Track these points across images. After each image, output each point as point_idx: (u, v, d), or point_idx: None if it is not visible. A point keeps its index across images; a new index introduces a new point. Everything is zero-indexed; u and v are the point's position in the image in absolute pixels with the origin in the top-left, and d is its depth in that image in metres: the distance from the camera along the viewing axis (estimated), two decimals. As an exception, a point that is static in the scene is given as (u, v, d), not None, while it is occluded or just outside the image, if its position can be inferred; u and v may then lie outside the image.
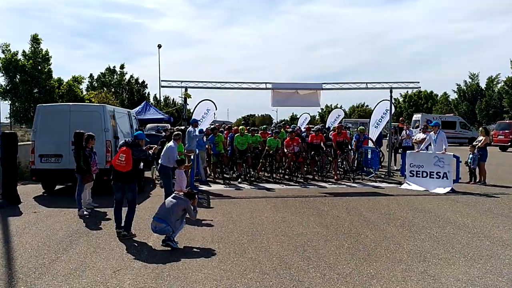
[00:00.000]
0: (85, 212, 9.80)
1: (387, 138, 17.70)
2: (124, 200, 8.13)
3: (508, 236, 7.93)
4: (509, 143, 32.35)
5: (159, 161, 10.14)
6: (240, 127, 16.15)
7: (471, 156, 15.03)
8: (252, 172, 16.00)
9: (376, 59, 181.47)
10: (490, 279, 5.75)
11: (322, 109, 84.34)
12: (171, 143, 10.26)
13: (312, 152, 16.04)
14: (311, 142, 16.16)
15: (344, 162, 16.79)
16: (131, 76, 50.35)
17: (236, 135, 15.85)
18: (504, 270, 6.09)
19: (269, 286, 5.49)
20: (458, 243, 7.47)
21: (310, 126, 21.46)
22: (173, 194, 7.71)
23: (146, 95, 52.38)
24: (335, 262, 6.44)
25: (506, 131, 33.07)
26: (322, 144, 16.01)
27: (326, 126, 22.73)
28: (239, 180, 15.23)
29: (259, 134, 17.06)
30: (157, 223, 7.21)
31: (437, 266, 6.26)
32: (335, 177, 15.75)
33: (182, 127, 14.55)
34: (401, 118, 21.82)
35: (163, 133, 19.49)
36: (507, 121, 37.19)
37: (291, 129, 17.93)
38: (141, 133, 8.66)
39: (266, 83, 15.67)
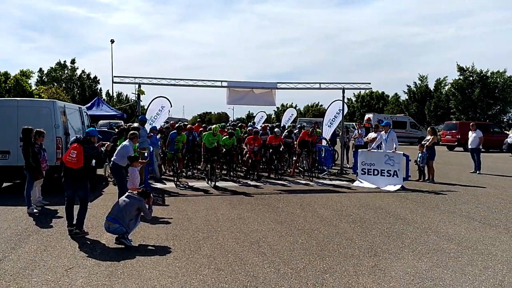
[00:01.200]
0: (34, 210, 9.50)
1: (339, 137, 18.05)
2: (75, 198, 7.95)
3: (453, 231, 8.30)
4: (456, 143, 33.71)
5: (112, 159, 9.92)
6: (214, 126, 15.56)
7: (420, 155, 15.59)
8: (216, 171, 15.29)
9: (330, 59, 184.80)
10: (437, 272, 6.00)
11: (278, 108, 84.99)
12: (126, 142, 10.05)
13: (270, 151, 16.07)
14: (269, 143, 16.18)
15: (305, 162, 16.71)
16: (83, 71, 49.20)
17: (207, 133, 15.21)
18: (449, 263, 6.37)
19: (224, 281, 5.52)
20: (407, 238, 7.75)
21: (267, 125, 21.45)
22: (127, 193, 7.58)
23: (98, 91, 51.27)
24: (289, 258, 6.54)
25: (453, 131, 34.42)
26: (281, 146, 16.21)
27: (282, 125, 23.01)
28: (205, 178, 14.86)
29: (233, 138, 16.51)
30: (110, 223, 7.08)
31: (387, 261, 6.47)
32: (292, 173, 16.31)
33: (135, 124, 14.25)
34: (366, 119, 22.28)
35: (116, 130, 19.15)
36: (454, 122, 38.74)
37: (251, 128, 17.91)
38: (93, 130, 8.49)
39: (221, 81, 15.69)
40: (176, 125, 16.69)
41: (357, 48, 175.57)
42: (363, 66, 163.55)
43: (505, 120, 50.69)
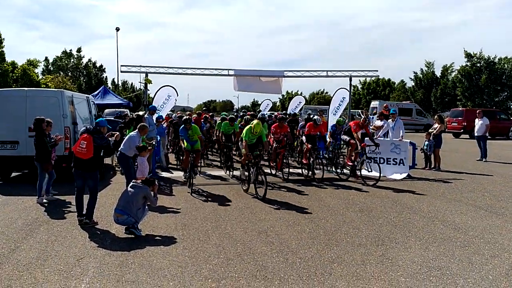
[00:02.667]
0: (44, 200, 9.61)
1: (345, 125, 17.96)
2: (85, 188, 8.03)
3: (460, 220, 8.33)
4: (462, 130, 33.58)
5: (119, 149, 9.98)
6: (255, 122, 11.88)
7: (426, 143, 15.57)
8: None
9: (336, 46, 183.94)
10: (443, 261, 6.05)
11: (283, 95, 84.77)
12: (133, 133, 10.11)
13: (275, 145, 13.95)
14: (308, 133, 13.82)
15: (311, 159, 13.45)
16: (89, 60, 49.21)
17: (224, 122, 14.88)
18: (456, 252, 6.42)
19: (233, 271, 5.60)
20: (414, 227, 7.80)
21: (280, 113, 20.15)
22: (131, 183, 7.65)
23: (104, 79, 51.28)
24: (297, 247, 6.61)
25: (459, 118, 34.26)
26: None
27: (288, 113, 22.99)
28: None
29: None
30: (119, 215, 7.15)
31: (394, 250, 6.53)
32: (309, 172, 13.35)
33: (141, 113, 14.27)
34: (383, 106, 21.36)
35: (123, 119, 19.23)
36: (460, 109, 38.54)
37: (278, 114, 16.80)
38: (103, 120, 8.54)
39: (228, 69, 15.74)
40: (184, 117, 15.70)
41: (363, 34, 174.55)
42: (369, 53, 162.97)
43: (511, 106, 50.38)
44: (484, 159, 17.68)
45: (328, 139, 14.38)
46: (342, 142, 14.37)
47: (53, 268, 5.67)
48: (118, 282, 5.23)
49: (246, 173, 11.27)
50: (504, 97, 49.94)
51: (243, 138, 11.17)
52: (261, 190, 10.22)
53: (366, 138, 13.33)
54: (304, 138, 13.87)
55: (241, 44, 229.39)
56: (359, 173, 12.96)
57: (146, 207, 7.57)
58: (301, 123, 16.42)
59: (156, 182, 7.94)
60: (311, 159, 13.04)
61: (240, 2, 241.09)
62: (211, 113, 20.95)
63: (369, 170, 12.71)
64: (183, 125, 12.35)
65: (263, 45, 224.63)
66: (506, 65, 49.13)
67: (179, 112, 20.18)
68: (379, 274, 5.55)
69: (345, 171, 13.66)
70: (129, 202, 7.23)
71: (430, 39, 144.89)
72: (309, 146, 12.98)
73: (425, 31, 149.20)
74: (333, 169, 14.06)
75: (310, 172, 13.00)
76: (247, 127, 11.43)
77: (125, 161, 9.78)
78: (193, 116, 18.64)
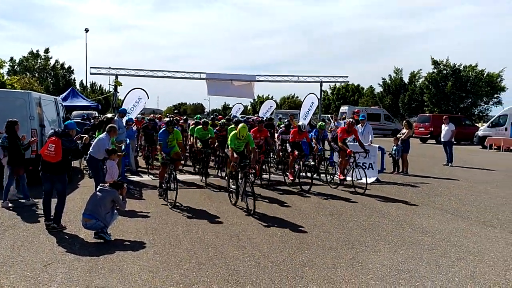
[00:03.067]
0: (9, 204, 9.35)
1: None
2: (53, 191, 7.86)
3: (428, 224, 8.52)
4: (429, 135, 34.36)
5: (89, 152, 9.80)
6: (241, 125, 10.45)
7: (395, 147, 15.87)
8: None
9: (307, 51, 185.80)
10: (412, 264, 6.18)
11: (254, 99, 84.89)
12: (103, 135, 9.95)
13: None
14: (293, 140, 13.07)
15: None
16: (56, 61, 48.13)
17: (197, 127, 13.71)
18: (424, 255, 6.56)
19: (205, 275, 5.57)
20: (383, 231, 7.93)
21: (259, 117, 19.15)
22: (99, 187, 7.53)
23: (73, 81, 50.31)
24: (269, 251, 6.63)
25: (426, 124, 35.07)
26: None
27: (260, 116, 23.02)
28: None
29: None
30: (87, 220, 7.02)
31: (364, 253, 6.62)
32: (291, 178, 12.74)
33: (110, 115, 14.05)
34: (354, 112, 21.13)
35: (92, 121, 18.91)
36: (427, 115, 39.45)
37: (256, 118, 16.48)
38: (72, 123, 8.39)
39: (200, 73, 15.70)
40: (166, 119, 15.30)
41: (334, 40, 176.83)
42: (339, 59, 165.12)
43: (476, 113, 51.74)
44: (450, 164, 18.13)
45: (314, 145, 13.53)
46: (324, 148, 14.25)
47: (20, 274, 5.51)
48: (87, 287, 5.13)
49: (233, 186, 10.06)
50: (469, 103, 51.32)
51: (229, 146, 9.98)
52: (250, 202, 9.28)
53: (355, 144, 13.03)
54: (288, 146, 12.84)
55: (214, 48, 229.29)
56: (350, 178, 12.46)
57: (115, 211, 7.46)
58: (281, 129, 15.59)
59: (125, 185, 7.85)
60: (296, 167, 12.32)
61: (214, 6, 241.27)
62: (184, 117, 20.68)
63: (359, 177, 12.41)
64: (164, 128, 11.09)
65: (236, 49, 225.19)
66: (470, 73, 50.51)
67: (151, 115, 19.81)
68: (350, 277, 5.62)
69: (335, 178, 13.06)
70: (97, 206, 7.11)
71: (398, 46, 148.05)
72: (296, 153, 12.17)
73: (395, 38, 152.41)
74: (319, 176, 13.88)
75: (296, 179, 12.13)
76: (232, 133, 10.22)
77: (95, 164, 9.59)
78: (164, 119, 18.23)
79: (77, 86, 53.18)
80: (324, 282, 5.45)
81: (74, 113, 26.90)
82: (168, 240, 7.11)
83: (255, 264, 6.02)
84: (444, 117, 19.89)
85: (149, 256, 6.33)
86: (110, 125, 10.41)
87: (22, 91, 12.67)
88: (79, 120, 21.61)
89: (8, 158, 9.50)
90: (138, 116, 17.57)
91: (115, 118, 13.32)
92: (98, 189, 7.45)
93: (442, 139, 18.90)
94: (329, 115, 40.41)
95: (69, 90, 27.04)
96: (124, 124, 14.06)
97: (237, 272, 5.72)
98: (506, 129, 29.05)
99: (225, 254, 6.46)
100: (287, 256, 6.42)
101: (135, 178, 13.58)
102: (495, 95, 50.38)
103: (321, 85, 16.64)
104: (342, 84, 68.11)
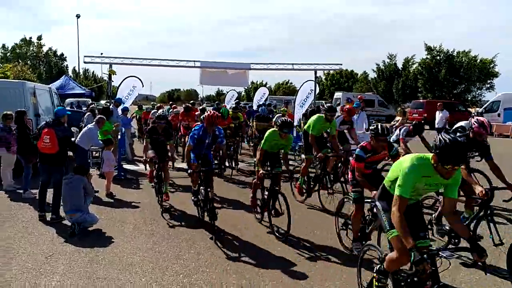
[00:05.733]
0: (31, 195, 9.22)
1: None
2: (50, 182, 7.88)
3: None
4: (423, 121, 34.48)
5: (76, 141, 9.77)
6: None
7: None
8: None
9: (301, 36, 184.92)
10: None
11: (248, 86, 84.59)
12: (91, 125, 9.95)
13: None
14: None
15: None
16: (50, 49, 47.68)
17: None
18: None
19: (204, 266, 5.67)
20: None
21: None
22: (65, 178, 7.41)
23: (65, 68, 49.96)
24: (268, 240, 6.73)
25: (420, 109, 35.18)
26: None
27: (254, 104, 23.05)
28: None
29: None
30: (72, 215, 7.04)
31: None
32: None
33: (103, 102, 14.01)
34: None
35: (83, 109, 18.86)
36: (421, 101, 39.57)
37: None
38: (62, 109, 8.40)
39: (194, 61, 15.62)
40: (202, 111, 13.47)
41: (329, 26, 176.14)
42: (333, 44, 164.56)
43: (469, 98, 51.97)
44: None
45: None
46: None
47: (22, 266, 5.59)
48: (89, 279, 5.22)
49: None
50: (462, 89, 51.52)
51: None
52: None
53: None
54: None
55: (206, 33, 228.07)
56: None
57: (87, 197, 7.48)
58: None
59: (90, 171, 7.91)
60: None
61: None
62: (201, 107, 19.87)
63: None
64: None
65: (226, 35, 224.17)
66: (464, 59, 50.61)
67: (159, 109, 19.16)
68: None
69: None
70: (75, 198, 7.13)
71: (394, 32, 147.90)
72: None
73: (390, 24, 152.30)
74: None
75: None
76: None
77: (82, 154, 9.54)
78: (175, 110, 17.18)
79: (70, 73, 52.83)
80: (318, 277, 5.57)
81: (68, 100, 26.79)
82: (167, 231, 7.19)
83: (257, 252, 6.13)
84: (438, 103, 20.03)
85: (148, 246, 6.41)
86: (99, 116, 10.43)
87: (17, 81, 12.63)
88: (75, 109, 21.60)
89: (19, 147, 9.48)
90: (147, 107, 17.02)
91: (111, 107, 13.31)
92: (65, 181, 7.33)
93: (437, 126, 19.03)
94: (323, 101, 40.42)
95: (63, 78, 26.83)
96: (120, 113, 14.06)
97: (237, 261, 5.83)
98: (499, 115, 29.29)
99: (224, 243, 6.56)
100: (286, 247, 6.53)
101: (132, 167, 13.59)
102: (488, 81, 50.60)
103: (315, 73, 16.61)
104: (336, 70, 68.40)
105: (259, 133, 13.02)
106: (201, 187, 7.39)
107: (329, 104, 9.35)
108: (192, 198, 7.82)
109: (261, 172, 7.36)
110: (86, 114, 15.00)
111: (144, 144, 9.51)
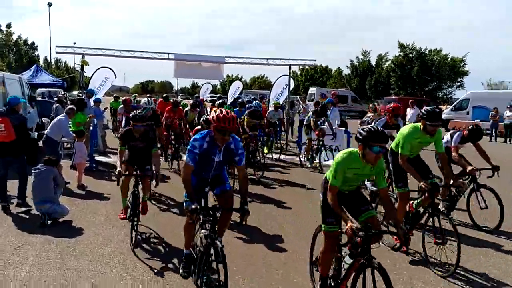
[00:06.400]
0: None
1: (285, 111, 18.19)
2: (8, 172, 7.82)
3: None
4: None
5: (45, 133, 9.65)
6: None
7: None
8: None
9: (277, 31, 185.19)
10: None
11: (223, 79, 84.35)
12: (61, 116, 9.83)
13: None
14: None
15: None
16: (19, 37, 46.57)
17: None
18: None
19: (177, 256, 5.71)
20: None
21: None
22: (34, 170, 7.32)
23: (36, 57, 48.87)
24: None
25: (392, 106, 35.81)
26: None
27: (229, 98, 23.08)
28: None
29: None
30: (41, 206, 6.99)
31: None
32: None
33: (75, 92, 13.88)
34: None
35: (55, 99, 18.53)
36: (393, 97, 40.20)
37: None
38: (15, 98, 8.32)
39: (168, 53, 15.53)
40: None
41: (302, 21, 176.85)
42: (308, 40, 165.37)
43: (440, 96, 53.11)
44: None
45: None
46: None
47: (-10, 257, 5.54)
48: (59, 270, 5.22)
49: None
50: (434, 86, 52.66)
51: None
52: None
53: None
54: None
55: (182, 24, 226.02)
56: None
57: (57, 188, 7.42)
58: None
59: (60, 163, 7.90)
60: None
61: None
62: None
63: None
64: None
65: (205, 27, 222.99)
66: (435, 57, 51.67)
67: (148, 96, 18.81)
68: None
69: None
70: (44, 189, 7.07)
71: (367, 29, 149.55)
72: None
73: (364, 20, 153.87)
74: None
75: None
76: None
77: (52, 145, 9.45)
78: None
79: (41, 63, 51.70)
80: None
81: (39, 90, 26.29)
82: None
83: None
84: (410, 101, 20.41)
85: (119, 238, 6.42)
86: (69, 106, 10.33)
87: (-15, 69, 12.35)
88: (46, 99, 21.20)
89: None
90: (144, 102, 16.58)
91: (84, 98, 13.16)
92: (34, 172, 7.26)
93: (408, 123, 19.37)
94: (297, 97, 40.67)
95: (33, 67, 26.30)
96: (92, 104, 13.91)
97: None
98: (467, 113, 29.99)
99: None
100: (276, 225, 6.62)
101: (103, 159, 13.47)
102: (458, 79, 51.84)
103: (289, 68, 16.76)
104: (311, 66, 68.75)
105: (250, 131, 11.73)
106: (204, 235, 4.62)
107: (430, 108, 6.11)
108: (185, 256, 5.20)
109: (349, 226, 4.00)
110: (55, 105, 14.83)
111: (118, 152, 7.07)
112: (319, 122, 12.86)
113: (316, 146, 12.93)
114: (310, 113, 13.18)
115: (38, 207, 7.03)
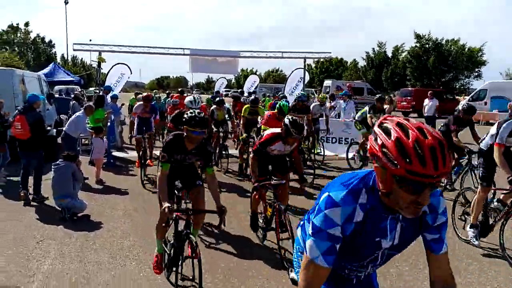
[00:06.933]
0: None
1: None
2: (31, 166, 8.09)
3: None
4: (411, 109, 34.86)
5: (64, 129, 9.83)
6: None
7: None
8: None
9: (291, 23, 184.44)
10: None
11: (238, 73, 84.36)
12: (80, 113, 10.00)
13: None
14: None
15: None
16: (37, 35, 47.21)
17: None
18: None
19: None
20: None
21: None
22: (54, 166, 7.46)
23: (53, 55, 49.51)
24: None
25: (408, 98, 35.51)
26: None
27: (245, 92, 23.14)
28: None
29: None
30: (62, 200, 7.14)
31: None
32: None
33: (92, 89, 14.09)
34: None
35: (72, 96, 18.82)
36: (410, 89, 39.93)
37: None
38: (33, 95, 8.49)
39: (184, 48, 15.66)
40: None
41: (319, 12, 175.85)
42: (323, 31, 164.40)
43: (457, 87, 52.47)
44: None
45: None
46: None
47: (14, 251, 5.70)
48: (80, 262, 5.35)
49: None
50: (451, 77, 52.02)
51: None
52: None
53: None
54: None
55: (196, 17, 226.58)
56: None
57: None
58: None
59: (79, 158, 8.08)
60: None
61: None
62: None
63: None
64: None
65: (218, 19, 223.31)
66: (452, 47, 51.01)
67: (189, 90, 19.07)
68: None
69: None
70: (64, 184, 7.22)
71: (385, 20, 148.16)
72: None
73: (381, 12, 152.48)
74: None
75: None
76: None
77: (71, 141, 9.62)
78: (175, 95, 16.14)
79: (58, 60, 52.33)
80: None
81: (56, 87, 26.70)
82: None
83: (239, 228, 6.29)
84: (429, 92, 20.22)
85: (138, 232, 6.53)
86: (87, 104, 10.49)
87: (5, 68, 12.60)
88: (63, 96, 21.54)
89: None
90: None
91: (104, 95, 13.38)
92: (54, 168, 7.41)
93: (426, 114, 19.22)
94: (313, 89, 40.55)
95: (51, 65, 26.72)
96: (109, 101, 14.10)
97: (227, 245, 5.98)
98: (485, 103, 29.64)
99: (208, 232, 6.69)
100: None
101: (121, 154, 13.65)
102: (476, 69, 51.11)
103: (304, 61, 16.80)
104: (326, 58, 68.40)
105: (246, 130, 10.71)
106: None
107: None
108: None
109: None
110: (72, 102, 15.07)
111: (159, 175, 4.78)
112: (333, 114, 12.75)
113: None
114: (366, 108, 11.16)
115: (58, 202, 7.20)
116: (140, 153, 10.22)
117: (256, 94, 19.17)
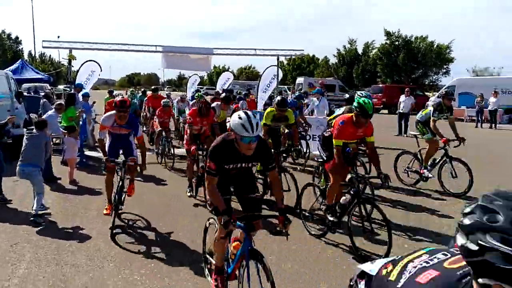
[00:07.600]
0: None
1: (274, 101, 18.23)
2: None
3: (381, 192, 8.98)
4: (382, 106, 35.43)
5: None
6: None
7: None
8: None
9: (266, 19, 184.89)
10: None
11: (211, 70, 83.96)
12: (51, 112, 9.82)
13: None
14: None
15: None
16: (3, 31, 45.93)
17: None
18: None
19: (168, 248, 5.78)
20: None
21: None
22: (27, 134, 7.44)
23: (20, 51, 48.27)
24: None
25: (379, 94, 36.08)
26: None
27: (217, 90, 23.04)
28: None
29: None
30: (24, 168, 7.06)
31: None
32: None
33: (61, 87, 13.84)
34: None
35: (42, 94, 18.44)
36: (380, 85, 40.54)
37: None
38: None
39: (156, 45, 15.47)
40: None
41: (295, 8, 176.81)
42: (298, 27, 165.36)
43: (426, 83, 53.57)
44: (405, 134, 18.71)
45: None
46: None
47: (-14, 255, 5.56)
48: (57, 265, 5.25)
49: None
50: (420, 74, 53.09)
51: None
52: None
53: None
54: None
55: (169, 13, 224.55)
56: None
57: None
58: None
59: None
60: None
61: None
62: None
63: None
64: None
65: (192, 16, 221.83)
66: (421, 44, 52.04)
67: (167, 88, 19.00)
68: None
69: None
70: (34, 153, 7.16)
71: (356, 17, 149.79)
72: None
73: (352, 8, 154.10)
74: None
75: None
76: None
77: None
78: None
79: (25, 57, 51.02)
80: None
81: (24, 86, 26.07)
82: (133, 216, 7.24)
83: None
84: (406, 89, 20.68)
85: (115, 232, 6.42)
86: (58, 102, 10.31)
87: (-29, 66, 12.24)
88: (32, 94, 21.04)
89: None
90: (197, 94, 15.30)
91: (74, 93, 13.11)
92: (27, 135, 7.36)
93: (401, 111, 19.52)
94: (285, 87, 40.73)
95: (19, 62, 26.08)
96: (81, 99, 13.84)
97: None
98: (454, 100, 30.31)
99: (190, 230, 6.66)
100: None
101: (93, 154, 13.41)
102: (444, 66, 52.32)
103: (277, 59, 16.80)
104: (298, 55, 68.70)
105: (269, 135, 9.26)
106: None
107: None
108: None
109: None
110: (43, 101, 14.74)
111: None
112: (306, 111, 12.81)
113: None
114: (431, 108, 9.84)
115: (21, 169, 7.08)
116: (114, 192, 6.99)
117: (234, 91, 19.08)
